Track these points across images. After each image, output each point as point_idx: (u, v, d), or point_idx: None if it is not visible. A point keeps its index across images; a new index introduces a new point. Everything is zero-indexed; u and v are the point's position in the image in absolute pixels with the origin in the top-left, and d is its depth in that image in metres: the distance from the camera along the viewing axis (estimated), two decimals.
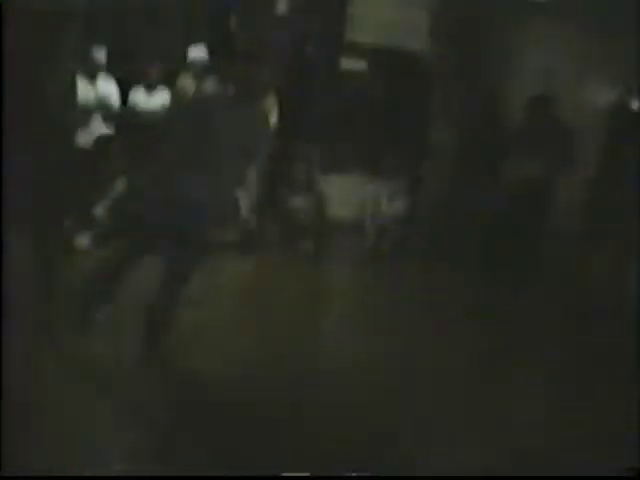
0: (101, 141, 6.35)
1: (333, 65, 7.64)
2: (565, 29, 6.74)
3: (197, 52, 6.69)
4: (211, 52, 6.70)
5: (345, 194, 7.40)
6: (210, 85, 6.26)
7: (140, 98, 6.70)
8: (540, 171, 5.91)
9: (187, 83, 6.64)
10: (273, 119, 6.35)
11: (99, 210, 6.14)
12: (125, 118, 6.54)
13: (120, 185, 6.24)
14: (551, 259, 6.24)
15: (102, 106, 6.40)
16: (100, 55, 6.44)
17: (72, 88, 6.32)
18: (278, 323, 4.55)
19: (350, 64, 7.68)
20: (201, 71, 6.61)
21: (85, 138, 6.29)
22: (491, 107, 6.84)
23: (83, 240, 5.85)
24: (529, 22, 6.86)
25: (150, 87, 6.71)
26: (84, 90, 6.30)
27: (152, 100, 6.69)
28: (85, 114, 6.25)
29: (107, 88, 6.49)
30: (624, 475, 3.07)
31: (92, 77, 6.38)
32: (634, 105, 6.86)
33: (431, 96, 7.63)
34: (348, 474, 2.69)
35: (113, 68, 6.54)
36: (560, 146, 5.86)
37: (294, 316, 4.77)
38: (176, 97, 6.63)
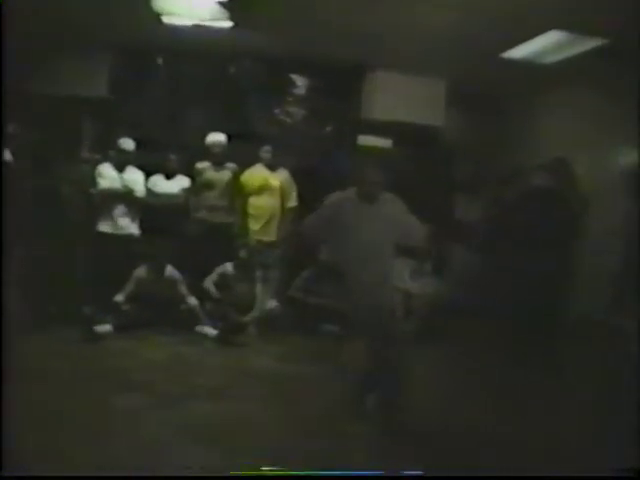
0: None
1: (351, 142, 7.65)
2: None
3: (216, 137, 6.79)
4: (229, 137, 6.81)
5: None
6: None
7: (161, 185, 6.79)
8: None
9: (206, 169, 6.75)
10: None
11: (120, 297, 6.15)
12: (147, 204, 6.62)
13: (141, 271, 6.26)
14: (583, 338, 5.91)
15: (127, 192, 6.49)
16: (127, 144, 6.58)
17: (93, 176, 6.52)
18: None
19: (369, 141, 7.71)
20: (221, 156, 6.72)
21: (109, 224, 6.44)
22: (515, 181, 6.60)
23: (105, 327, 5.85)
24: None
25: (169, 175, 6.83)
26: (110, 177, 6.48)
27: (171, 186, 6.79)
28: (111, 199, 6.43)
29: (133, 176, 6.59)
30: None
31: (118, 165, 6.54)
32: None
33: (454, 172, 7.52)
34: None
35: (137, 157, 6.67)
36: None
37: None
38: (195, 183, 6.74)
